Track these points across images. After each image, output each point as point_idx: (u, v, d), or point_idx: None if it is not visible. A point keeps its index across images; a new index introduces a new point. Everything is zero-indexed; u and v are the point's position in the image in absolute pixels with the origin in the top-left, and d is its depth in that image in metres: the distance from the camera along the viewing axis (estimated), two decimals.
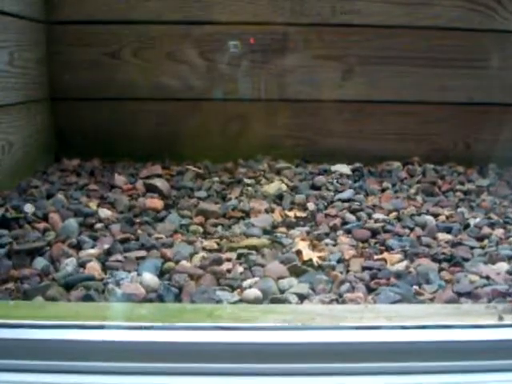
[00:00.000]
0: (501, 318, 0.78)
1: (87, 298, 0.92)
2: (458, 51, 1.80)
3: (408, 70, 1.80)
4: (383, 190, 1.53)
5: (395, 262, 1.10)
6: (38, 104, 1.72)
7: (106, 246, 1.11)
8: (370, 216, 1.33)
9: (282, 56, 1.79)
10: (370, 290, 0.99)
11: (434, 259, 1.12)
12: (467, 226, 1.30)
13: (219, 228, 1.26)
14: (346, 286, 0.98)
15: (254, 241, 1.17)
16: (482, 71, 1.80)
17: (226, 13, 1.77)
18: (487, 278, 1.03)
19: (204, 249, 1.14)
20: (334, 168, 1.66)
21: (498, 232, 1.25)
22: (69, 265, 1.03)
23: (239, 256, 1.10)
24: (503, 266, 1.08)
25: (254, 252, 1.11)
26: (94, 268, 1.02)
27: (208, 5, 1.76)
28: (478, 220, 1.32)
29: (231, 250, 1.14)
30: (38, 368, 0.61)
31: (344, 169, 1.66)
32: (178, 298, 0.94)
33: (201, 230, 1.25)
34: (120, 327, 0.62)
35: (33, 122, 1.67)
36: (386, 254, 1.13)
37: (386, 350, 0.62)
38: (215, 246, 1.15)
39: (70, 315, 0.79)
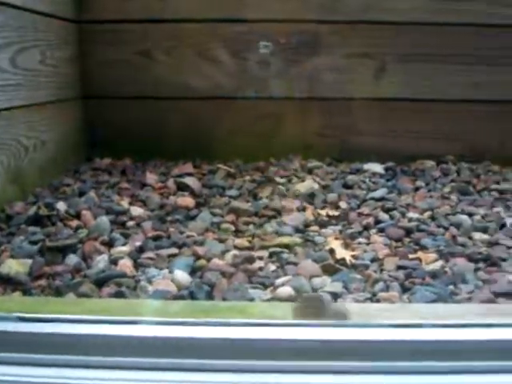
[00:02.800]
0: None
1: (119, 295, 0.92)
2: (493, 48, 1.76)
3: (442, 67, 1.77)
4: (417, 189, 1.51)
5: (430, 261, 1.08)
6: (70, 103, 1.73)
7: (138, 244, 1.11)
8: (403, 215, 1.30)
9: (313, 54, 1.77)
10: (404, 290, 0.96)
11: (470, 259, 1.09)
12: (503, 225, 1.27)
13: (251, 226, 1.25)
14: (381, 285, 0.96)
15: (285, 239, 1.16)
16: None
17: (258, 11, 1.76)
18: None
19: (236, 247, 1.13)
20: (366, 167, 1.64)
21: None
22: (101, 262, 1.03)
23: (271, 254, 1.09)
24: None
25: (286, 250, 1.10)
26: (125, 265, 1.02)
27: (240, 3, 1.76)
28: None
29: (263, 248, 1.12)
30: (71, 363, 0.61)
31: (376, 167, 1.64)
32: (209, 296, 0.94)
33: (232, 228, 1.24)
34: (153, 323, 0.61)
35: (64, 121, 1.69)
36: (420, 254, 1.11)
37: (426, 349, 0.60)
38: (247, 245, 1.14)
39: (103, 311, 0.79)
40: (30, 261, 1.05)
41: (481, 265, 1.07)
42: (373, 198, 1.41)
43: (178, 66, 1.81)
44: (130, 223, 1.23)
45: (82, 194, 1.42)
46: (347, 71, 1.78)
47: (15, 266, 1.03)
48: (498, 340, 0.62)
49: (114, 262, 1.04)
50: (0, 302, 0.91)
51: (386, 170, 1.64)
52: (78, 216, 1.26)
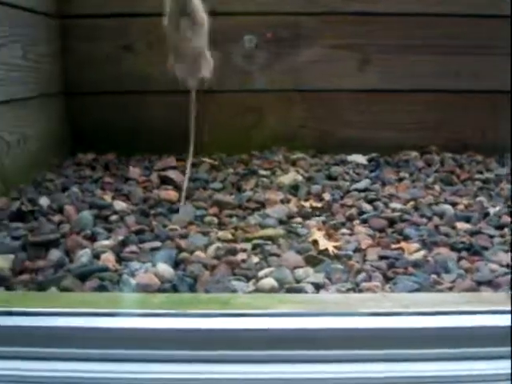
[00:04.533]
0: None
1: (101, 289, 0.91)
2: (475, 37, 1.77)
3: (423, 58, 1.78)
4: (400, 180, 1.52)
5: (413, 251, 1.08)
6: (53, 98, 1.72)
7: (121, 238, 1.10)
8: (386, 205, 1.31)
9: (296, 46, 1.77)
10: (387, 279, 0.97)
11: (453, 248, 1.10)
12: (486, 214, 1.28)
13: (234, 219, 1.25)
14: (363, 275, 0.97)
15: (269, 231, 1.16)
16: (501, 58, 1.77)
17: (240, 4, 1.76)
18: (507, 266, 1.01)
19: (219, 239, 1.13)
20: (350, 158, 1.65)
21: None
22: (83, 256, 1.03)
23: (254, 246, 1.09)
24: None
25: (269, 242, 1.10)
26: (108, 259, 1.02)
27: None
28: (497, 209, 1.29)
29: (246, 240, 1.12)
30: (53, 356, 0.61)
31: (360, 159, 1.65)
32: (192, 289, 0.93)
33: (216, 221, 1.24)
34: (133, 314, 0.61)
35: (47, 116, 1.68)
36: (403, 244, 1.11)
37: (404, 336, 0.61)
38: (230, 237, 1.14)
39: (84, 304, 0.79)
40: (12, 256, 1.05)
41: (463, 254, 1.08)
42: (356, 189, 1.41)
43: (160, 59, 1.79)
44: (113, 217, 1.23)
45: (65, 189, 1.42)
46: (331, 63, 1.78)
47: None
48: (478, 327, 0.63)
49: (96, 256, 1.03)
50: None
51: (370, 161, 1.65)
52: (60, 211, 1.25)
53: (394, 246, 1.10)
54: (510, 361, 0.61)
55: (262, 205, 1.32)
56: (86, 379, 0.57)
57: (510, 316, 0.63)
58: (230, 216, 1.26)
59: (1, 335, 0.63)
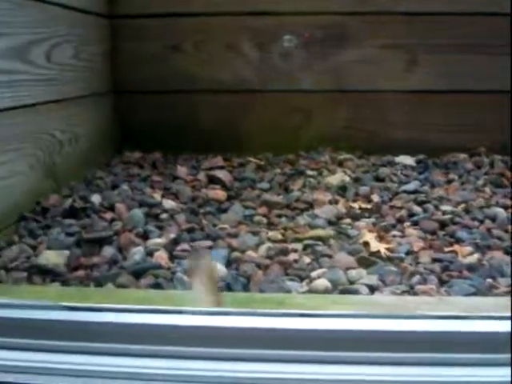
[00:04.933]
0: None
1: (156, 286, 0.93)
2: None
3: (475, 58, 1.75)
4: (449, 182, 1.49)
5: (466, 254, 1.07)
6: (103, 97, 1.75)
7: (173, 236, 1.11)
8: (437, 208, 1.29)
9: (342, 46, 1.76)
10: (441, 283, 0.96)
11: (507, 252, 1.08)
12: None
13: (283, 219, 1.25)
14: (417, 277, 0.96)
15: (319, 232, 1.16)
16: None
17: (287, 3, 1.76)
18: None
19: (269, 239, 1.13)
20: (397, 159, 1.63)
21: None
22: (137, 253, 1.04)
23: (305, 247, 1.09)
24: None
25: (319, 243, 1.10)
26: (161, 257, 1.03)
27: None
28: None
29: (296, 240, 1.12)
30: (115, 351, 0.62)
31: (408, 160, 1.63)
32: (245, 288, 0.94)
33: (265, 220, 1.24)
34: (198, 313, 0.62)
35: (97, 115, 1.70)
36: (456, 247, 1.10)
37: (470, 340, 0.60)
38: (280, 237, 1.14)
39: (140, 301, 0.80)
40: (66, 252, 1.07)
41: None
42: (405, 191, 1.40)
43: (207, 59, 1.81)
44: (164, 216, 1.24)
45: (114, 186, 1.44)
46: (378, 63, 1.76)
47: (53, 258, 1.05)
48: None
49: (149, 253, 1.05)
50: (40, 292, 0.93)
51: (418, 162, 1.63)
52: (112, 208, 1.27)
53: (446, 249, 1.09)
54: None
55: (310, 205, 1.32)
56: (153, 375, 0.58)
57: None
58: (279, 216, 1.26)
59: (61, 330, 0.64)
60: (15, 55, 1.22)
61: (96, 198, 1.32)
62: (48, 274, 1.01)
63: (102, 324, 0.59)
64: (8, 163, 1.18)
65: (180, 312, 0.61)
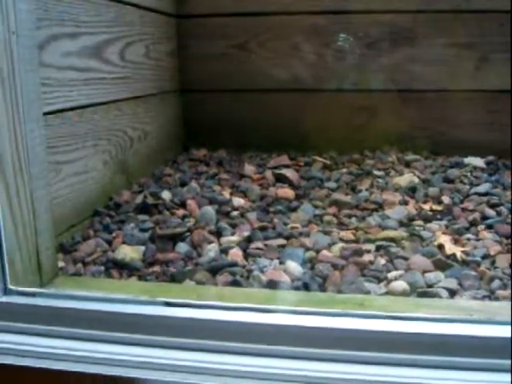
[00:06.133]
0: None
1: (235, 284, 0.93)
2: None
3: None
4: None
5: None
6: (170, 95, 1.77)
7: (246, 234, 1.12)
8: (511, 211, 1.27)
9: (410, 45, 1.74)
10: None
11: None
12: None
13: (353, 219, 1.24)
14: (497, 282, 0.94)
15: (391, 233, 1.15)
16: None
17: (353, 2, 1.75)
18: None
19: (341, 239, 1.13)
20: (466, 161, 1.60)
21: None
22: (211, 250, 1.06)
23: (378, 248, 1.09)
24: None
25: (393, 244, 1.09)
26: (236, 254, 1.04)
27: None
28: None
29: (369, 241, 1.12)
30: (213, 348, 0.63)
31: (477, 161, 1.60)
32: (322, 288, 0.94)
33: (335, 220, 1.24)
34: (288, 311, 0.62)
35: (165, 113, 1.73)
36: None
37: None
38: (352, 237, 1.14)
39: (221, 298, 0.81)
40: (142, 247, 1.09)
41: None
42: (476, 193, 1.37)
43: (273, 58, 1.82)
44: (234, 213, 1.25)
45: (183, 183, 1.46)
46: (446, 62, 1.73)
47: (129, 252, 1.07)
48: None
49: (224, 251, 1.06)
50: (121, 286, 0.95)
51: (488, 164, 1.60)
52: (183, 205, 1.29)
53: None
54: None
55: (380, 206, 1.31)
56: (244, 373, 0.59)
57: None
58: (349, 216, 1.25)
59: (161, 325, 0.65)
60: (92, 54, 1.25)
61: (166, 195, 1.34)
62: (125, 269, 1.03)
63: (204, 321, 0.60)
64: (84, 159, 1.21)
65: (268, 311, 0.61)
